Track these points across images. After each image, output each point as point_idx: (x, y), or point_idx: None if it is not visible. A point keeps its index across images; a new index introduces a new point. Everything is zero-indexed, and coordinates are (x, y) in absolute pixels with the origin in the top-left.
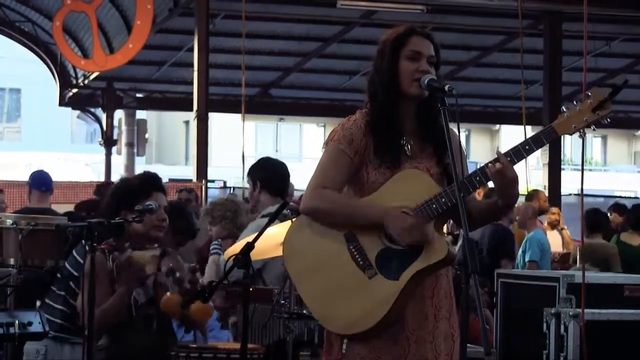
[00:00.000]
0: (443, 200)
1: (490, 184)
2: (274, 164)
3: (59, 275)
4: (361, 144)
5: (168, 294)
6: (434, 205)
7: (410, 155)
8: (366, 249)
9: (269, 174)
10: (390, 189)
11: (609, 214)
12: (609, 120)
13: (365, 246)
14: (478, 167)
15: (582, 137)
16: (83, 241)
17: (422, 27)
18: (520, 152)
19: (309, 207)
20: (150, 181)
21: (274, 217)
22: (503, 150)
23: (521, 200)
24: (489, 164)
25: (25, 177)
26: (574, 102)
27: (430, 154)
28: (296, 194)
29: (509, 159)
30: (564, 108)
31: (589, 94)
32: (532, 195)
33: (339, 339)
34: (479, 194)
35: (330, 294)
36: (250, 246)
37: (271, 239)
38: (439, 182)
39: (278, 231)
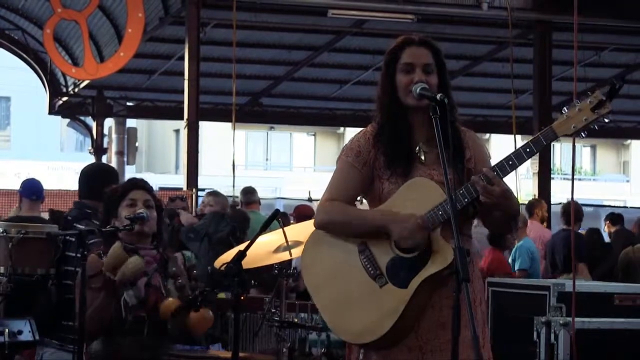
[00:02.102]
0: (448, 207)
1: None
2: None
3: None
4: (370, 155)
5: (169, 299)
6: (440, 212)
7: (425, 163)
8: (377, 258)
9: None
10: (400, 198)
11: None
12: (607, 119)
13: (377, 255)
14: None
15: (584, 137)
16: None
17: (419, 35)
18: (521, 154)
19: (320, 221)
20: (127, 183)
21: (266, 225)
22: (504, 154)
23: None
24: (482, 174)
25: (14, 186)
26: (575, 102)
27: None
28: (288, 203)
29: (510, 162)
30: (565, 109)
31: (589, 93)
32: (534, 204)
33: (357, 347)
34: None
35: (343, 304)
36: (242, 254)
37: (262, 247)
38: (455, 187)
39: (269, 239)
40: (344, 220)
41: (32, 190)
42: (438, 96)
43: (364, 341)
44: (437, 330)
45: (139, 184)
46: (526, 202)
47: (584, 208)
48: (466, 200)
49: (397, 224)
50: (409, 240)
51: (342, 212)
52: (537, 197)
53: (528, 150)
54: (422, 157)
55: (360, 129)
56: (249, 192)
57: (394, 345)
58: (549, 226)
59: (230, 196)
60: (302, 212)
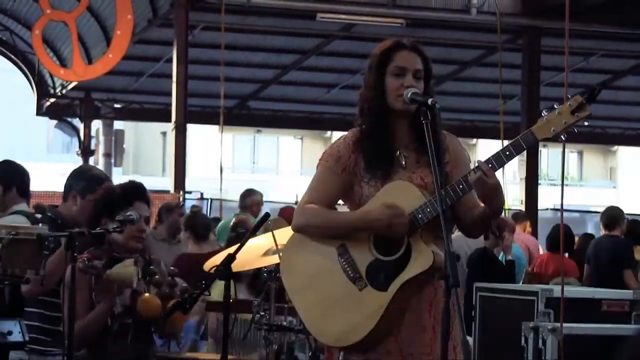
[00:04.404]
0: (428, 209)
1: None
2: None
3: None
4: (349, 160)
5: (146, 295)
6: (420, 215)
7: (405, 167)
8: (357, 261)
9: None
10: (379, 200)
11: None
12: (586, 123)
13: (356, 258)
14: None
15: (563, 141)
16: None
17: (409, 40)
18: (500, 158)
19: (297, 224)
20: (133, 190)
21: (256, 229)
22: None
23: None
24: (470, 172)
25: None
26: (554, 106)
27: (425, 164)
28: (275, 206)
29: (490, 165)
30: (544, 112)
31: (569, 97)
32: (520, 217)
33: (337, 350)
34: None
35: (323, 307)
36: (231, 258)
37: (252, 251)
38: (434, 191)
39: (259, 243)
40: (322, 222)
41: None
42: (429, 101)
43: (344, 344)
44: (417, 334)
45: (143, 195)
46: (513, 207)
47: (570, 214)
48: (449, 202)
49: (378, 217)
50: (396, 227)
51: (320, 215)
52: (524, 202)
53: (507, 153)
54: (403, 162)
55: None
56: (241, 196)
57: (374, 348)
58: (535, 232)
59: (217, 199)
60: (287, 214)
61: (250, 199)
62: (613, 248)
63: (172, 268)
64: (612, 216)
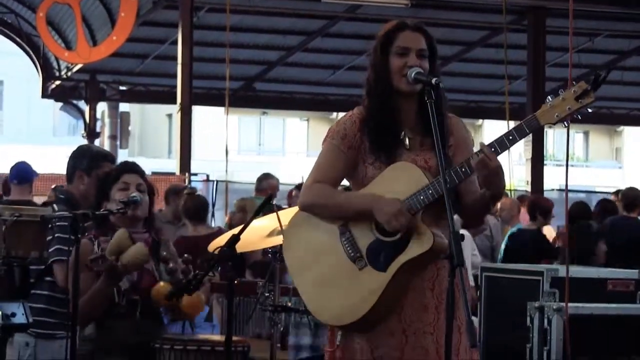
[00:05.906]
0: (430, 191)
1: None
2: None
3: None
4: (355, 138)
5: (161, 283)
6: (422, 197)
7: (409, 149)
8: (358, 241)
9: None
10: (382, 181)
11: None
12: (590, 110)
13: (357, 238)
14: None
15: (567, 127)
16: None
17: (413, 21)
18: (504, 142)
19: (305, 202)
20: (121, 166)
21: (259, 210)
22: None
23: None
24: (473, 155)
25: (6, 170)
26: (559, 92)
27: (430, 146)
28: (282, 188)
29: (492, 149)
30: (548, 98)
31: (574, 83)
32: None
33: (337, 329)
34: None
35: (323, 286)
36: (235, 238)
37: (256, 232)
38: (438, 173)
39: (262, 224)
40: (328, 202)
41: (15, 174)
42: (433, 80)
43: (342, 323)
44: (420, 313)
45: (132, 168)
46: (518, 188)
47: (576, 195)
48: (462, 177)
49: (381, 208)
50: (392, 224)
51: (327, 195)
52: (529, 183)
53: (511, 138)
54: (407, 143)
55: None
56: (258, 179)
57: (374, 327)
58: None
59: (223, 181)
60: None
61: (267, 182)
62: (629, 229)
63: (185, 255)
64: (632, 197)
